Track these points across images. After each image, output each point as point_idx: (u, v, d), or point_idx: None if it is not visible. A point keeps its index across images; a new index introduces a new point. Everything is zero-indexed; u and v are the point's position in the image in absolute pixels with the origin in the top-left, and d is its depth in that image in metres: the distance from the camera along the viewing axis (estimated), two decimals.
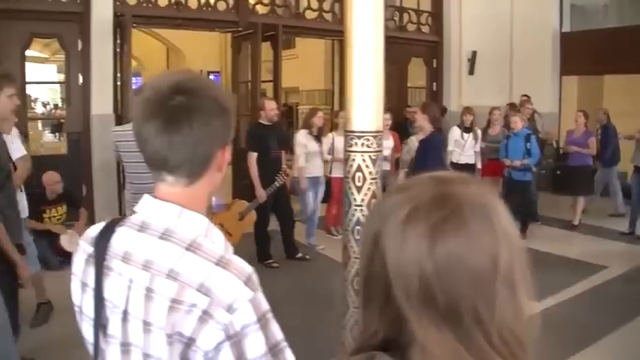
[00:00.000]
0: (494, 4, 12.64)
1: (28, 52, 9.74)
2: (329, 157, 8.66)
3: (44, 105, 26.28)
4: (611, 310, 6.07)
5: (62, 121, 22.69)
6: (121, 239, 1.36)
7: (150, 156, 1.34)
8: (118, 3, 9.54)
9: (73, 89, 9.62)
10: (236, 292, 1.22)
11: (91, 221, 8.71)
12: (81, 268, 1.41)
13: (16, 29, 9.10)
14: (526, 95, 10.89)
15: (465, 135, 9.15)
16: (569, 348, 5.07)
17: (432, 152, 6.13)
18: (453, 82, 13.19)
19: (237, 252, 1.35)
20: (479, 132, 9.29)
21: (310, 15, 11.36)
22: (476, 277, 0.87)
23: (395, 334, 0.94)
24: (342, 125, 8.58)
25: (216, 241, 1.35)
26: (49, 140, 22.53)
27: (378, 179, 3.19)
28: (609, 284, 7.04)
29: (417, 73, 13.49)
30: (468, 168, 8.98)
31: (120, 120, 9.35)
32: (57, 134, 23.68)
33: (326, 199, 8.89)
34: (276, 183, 7.08)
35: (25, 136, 8.96)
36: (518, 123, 8.71)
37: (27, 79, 9.54)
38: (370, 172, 3.15)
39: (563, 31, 13.74)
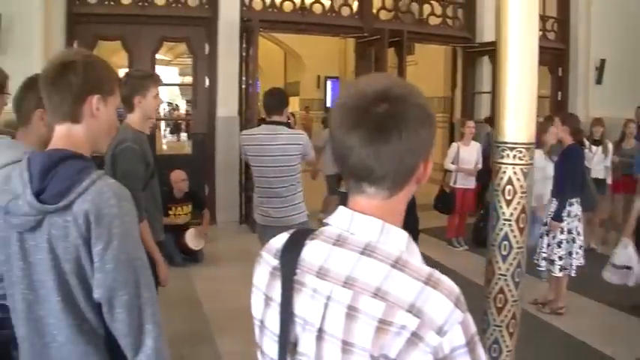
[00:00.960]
0: (626, 9, 12.02)
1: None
2: (453, 167, 8.47)
3: (169, 106, 27.29)
4: None
5: (180, 122, 23.58)
6: (315, 253, 1.29)
7: (352, 166, 1.25)
8: (244, 8, 9.79)
9: (200, 91, 9.92)
10: (447, 313, 1.15)
11: (213, 221, 8.94)
12: (264, 282, 1.36)
13: (148, 33, 9.53)
14: None
15: (594, 148, 8.70)
16: None
17: (571, 165, 5.87)
18: (579, 91, 12.65)
19: None
20: (610, 145, 8.80)
21: (434, 21, 11.21)
22: None
23: None
24: (468, 135, 8.38)
25: (416, 256, 1.27)
26: (170, 140, 23.39)
27: (529, 194, 3.04)
28: None
29: (541, 81, 13.00)
30: (597, 183, 8.54)
31: (245, 123, 9.56)
32: (175, 135, 24.59)
33: (447, 210, 8.69)
34: None
35: (153, 137, 9.36)
36: None
37: None
38: (521, 186, 3.00)
39: None
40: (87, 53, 1.98)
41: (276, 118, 4.80)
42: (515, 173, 2.97)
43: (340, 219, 1.30)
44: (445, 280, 1.20)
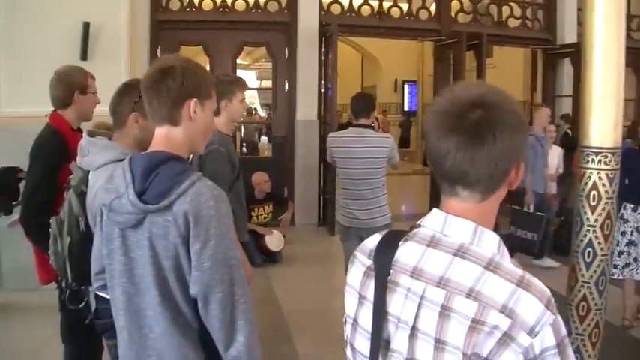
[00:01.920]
0: None
1: None
2: None
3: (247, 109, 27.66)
4: None
5: (255, 125, 23.91)
6: (409, 254, 1.34)
7: (448, 170, 1.30)
8: (323, 13, 9.88)
9: (280, 95, 10.08)
10: (538, 314, 1.18)
11: (292, 223, 9.06)
12: (358, 281, 1.42)
13: (229, 38, 9.78)
14: None
15: None
16: None
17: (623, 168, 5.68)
18: None
19: None
20: None
21: (513, 23, 11.03)
22: None
23: None
24: (549, 139, 8.19)
25: (507, 259, 1.30)
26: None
27: (614, 200, 2.99)
28: None
29: (625, 83, 12.54)
30: None
31: (324, 126, 9.69)
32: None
33: None
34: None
35: (234, 140, 9.56)
36: None
37: None
38: (606, 191, 2.96)
39: None
40: (185, 59, 2.08)
41: (363, 121, 4.92)
42: (600, 178, 2.93)
43: (434, 221, 1.35)
44: (537, 282, 1.23)
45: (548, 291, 1.23)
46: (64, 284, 3.15)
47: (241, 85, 4.03)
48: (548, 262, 7.66)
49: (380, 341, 1.34)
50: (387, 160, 4.86)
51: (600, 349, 3.20)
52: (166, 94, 1.95)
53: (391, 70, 19.56)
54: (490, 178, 1.29)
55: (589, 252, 3.04)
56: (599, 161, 2.94)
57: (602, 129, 2.96)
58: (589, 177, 2.99)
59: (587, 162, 2.98)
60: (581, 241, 3.07)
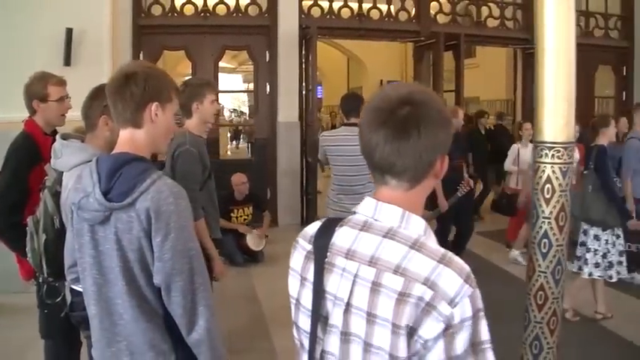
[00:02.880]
0: None
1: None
2: (514, 169, 8.47)
3: (232, 112, 27.73)
4: None
5: (240, 128, 23.98)
6: (344, 238, 1.47)
7: (378, 161, 1.43)
8: (303, 16, 10.01)
9: (261, 97, 10.19)
10: (458, 287, 1.31)
11: (275, 223, 9.17)
12: (300, 264, 1.56)
13: (211, 42, 9.89)
14: None
15: None
16: None
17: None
18: None
19: None
20: None
21: (492, 23, 11.19)
22: None
23: None
24: (526, 137, 8.34)
25: (433, 241, 1.43)
26: (233, 145, 23.78)
27: (567, 192, 3.11)
28: None
29: (604, 81, 12.79)
30: None
31: (306, 128, 9.80)
32: (234, 141, 24.96)
33: (509, 212, 8.62)
34: (458, 193, 6.96)
35: (216, 142, 9.67)
36: None
37: (219, 89, 10.24)
38: (560, 184, 3.07)
39: None
40: (147, 65, 2.25)
41: (353, 120, 5.17)
42: (553, 172, 3.05)
43: (366, 208, 1.49)
44: (457, 260, 1.36)
45: (468, 268, 1.35)
46: (41, 280, 3.30)
47: (211, 87, 4.15)
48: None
49: (319, 318, 1.47)
50: None
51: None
52: (130, 98, 2.09)
53: (376, 71, 19.66)
54: (416, 169, 1.43)
55: (545, 243, 3.15)
56: (553, 155, 3.05)
57: (555, 125, 3.08)
58: (543, 171, 3.10)
59: (541, 156, 3.09)
60: (537, 232, 3.18)
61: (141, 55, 9.22)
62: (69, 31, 7.40)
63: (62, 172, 2.94)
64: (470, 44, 12.62)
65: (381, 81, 20.44)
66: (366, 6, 10.48)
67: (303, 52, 9.99)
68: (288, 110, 9.90)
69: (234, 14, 9.83)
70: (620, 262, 5.74)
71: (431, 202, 7.09)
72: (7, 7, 7.13)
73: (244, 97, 27.34)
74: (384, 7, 10.58)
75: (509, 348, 3.82)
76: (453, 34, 10.40)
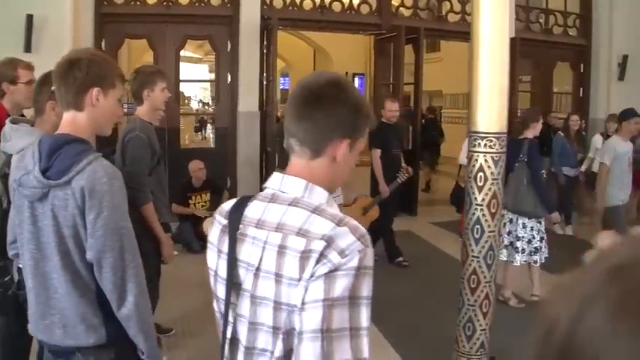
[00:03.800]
0: None
1: (184, 53, 10.42)
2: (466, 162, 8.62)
3: (198, 102, 27.55)
4: None
5: (205, 117, 23.86)
6: (254, 210, 1.60)
7: (287, 126, 1.61)
8: (265, 7, 10.03)
9: (222, 87, 10.24)
10: (350, 242, 1.43)
11: None
12: (217, 238, 1.68)
13: (173, 32, 9.87)
14: None
15: None
16: None
17: None
18: (601, 87, 12.60)
19: None
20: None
21: (453, 18, 11.33)
22: None
23: None
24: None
25: (335, 208, 1.58)
26: (197, 135, 23.67)
27: (499, 180, 3.25)
28: None
29: (563, 77, 13.06)
30: None
31: (265, 117, 9.86)
32: (202, 130, 24.84)
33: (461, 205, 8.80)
34: (398, 179, 7.19)
35: (176, 131, 9.69)
36: None
37: (181, 78, 10.25)
38: (492, 173, 3.21)
39: None
40: (93, 52, 2.40)
41: None
42: (486, 161, 3.20)
43: (274, 181, 1.62)
44: (354, 222, 1.50)
45: (364, 230, 1.48)
46: None
47: (162, 75, 4.24)
48: None
49: (233, 285, 1.59)
50: None
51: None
52: (72, 82, 2.21)
53: (342, 63, 19.72)
54: (314, 138, 1.58)
55: (477, 229, 3.29)
56: (485, 145, 3.19)
57: (488, 116, 3.21)
58: (476, 159, 3.24)
59: (475, 146, 3.23)
60: (470, 219, 3.33)
61: (103, 44, 9.18)
62: (29, 18, 7.39)
63: (11, 155, 3.02)
64: (430, 38, 12.79)
65: (347, 73, 20.58)
66: None
67: (265, 42, 10.01)
68: (248, 100, 9.92)
69: (197, 4, 9.81)
70: (542, 248, 6.07)
71: (373, 189, 7.28)
72: None
73: (208, 86, 27.16)
74: (346, 0, 10.65)
75: (446, 330, 3.98)
76: (414, 28, 10.54)
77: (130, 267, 2.19)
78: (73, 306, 2.18)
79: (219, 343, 1.66)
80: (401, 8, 11.07)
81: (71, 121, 2.25)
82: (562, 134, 8.90)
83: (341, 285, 1.40)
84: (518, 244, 5.98)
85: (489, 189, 3.25)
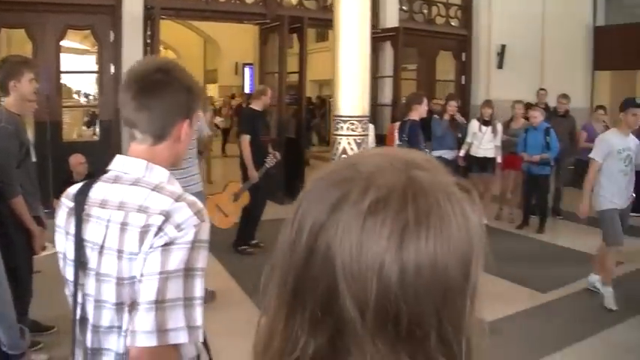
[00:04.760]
0: None
1: (69, 44, 10.06)
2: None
3: (86, 96, 26.68)
4: (620, 301, 6.03)
5: (95, 111, 23.17)
6: (98, 191, 1.65)
7: (126, 116, 1.66)
8: None
9: (106, 79, 9.97)
10: (187, 217, 1.52)
11: None
12: (64, 221, 1.71)
13: (53, 21, 9.52)
14: (543, 89, 10.83)
15: (484, 128, 9.18)
16: (567, 338, 5.18)
17: None
18: (481, 75, 13.22)
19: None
20: (499, 126, 9.26)
21: None
22: (447, 288, 0.70)
23: (329, 351, 0.73)
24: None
25: (176, 186, 1.66)
26: (84, 128, 22.96)
27: None
28: (621, 278, 7.00)
29: (445, 66, 13.53)
30: (487, 162, 9.09)
31: None
32: (92, 125, 24.08)
33: None
34: (266, 164, 7.30)
35: (58, 124, 9.41)
36: (537, 117, 8.72)
37: (62, 69, 9.91)
38: None
39: (596, 24, 13.63)
40: None
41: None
42: (349, 143, 3.31)
43: (117, 164, 1.68)
44: (193, 198, 1.59)
45: (201, 205, 1.58)
46: None
47: (29, 65, 4.14)
48: None
49: (80, 265, 1.63)
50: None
51: None
52: None
53: (231, 52, 19.70)
54: (156, 125, 1.64)
55: None
56: (348, 128, 3.31)
57: (350, 100, 3.33)
58: (339, 142, 3.35)
59: (338, 129, 3.34)
60: None
61: None
62: None
63: None
64: (315, 27, 12.93)
65: (236, 63, 20.52)
66: None
67: (148, 32, 9.84)
68: None
69: None
70: None
71: (244, 176, 7.37)
72: None
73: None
74: None
75: None
76: (298, 18, 10.64)
77: None
78: None
79: None
80: None
81: None
82: (437, 117, 9.24)
83: (177, 258, 1.48)
84: None
85: None
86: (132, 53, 9.56)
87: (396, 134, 7.38)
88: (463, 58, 13.46)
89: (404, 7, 12.36)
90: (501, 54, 12.95)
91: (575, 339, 5.19)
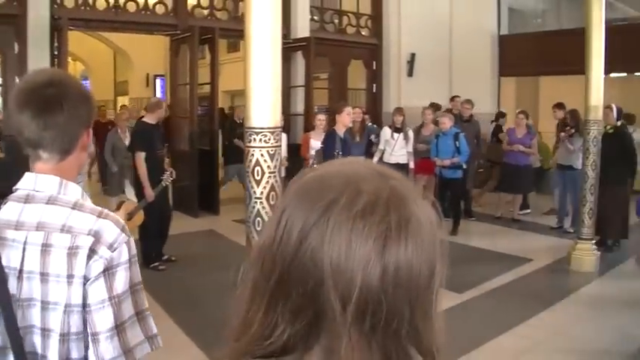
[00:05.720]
0: (433, 8, 13.00)
1: None
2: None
3: None
4: (531, 298, 6.34)
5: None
6: (9, 212, 1.55)
7: (28, 137, 1.58)
8: (55, 6, 9.56)
9: (10, 92, 9.55)
10: (116, 235, 1.52)
11: None
12: None
13: None
14: (457, 96, 11.18)
15: (395, 135, 9.37)
16: (486, 334, 5.37)
17: None
18: (392, 83, 13.47)
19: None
20: (410, 132, 9.48)
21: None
22: (419, 286, 0.78)
23: (302, 337, 0.80)
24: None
25: (89, 202, 1.62)
26: None
27: (277, 173, 3.38)
28: (531, 276, 7.32)
29: (357, 75, 13.71)
30: (399, 167, 9.24)
31: None
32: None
33: None
34: (162, 183, 7.08)
35: None
36: (446, 123, 8.98)
37: None
38: (269, 167, 3.34)
39: (501, 33, 14.12)
40: None
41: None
42: (262, 155, 3.32)
43: (27, 182, 1.60)
44: (113, 215, 1.57)
45: (123, 221, 1.58)
46: None
47: None
48: None
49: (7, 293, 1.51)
50: None
51: None
52: None
53: (142, 64, 19.31)
54: (63, 141, 1.59)
55: (259, 222, 3.41)
56: (260, 140, 3.31)
57: (262, 112, 3.34)
58: (252, 154, 3.35)
59: (250, 141, 3.34)
60: (251, 212, 3.43)
61: None
62: None
63: None
64: (227, 38, 12.87)
65: (147, 74, 20.16)
66: None
67: (55, 44, 9.55)
68: None
69: None
70: None
71: (137, 192, 7.14)
72: None
73: None
74: (141, 0, 10.44)
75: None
76: (209, 28, 10.58)
77: None
78: None
79: None
80: (198, 8, 11.08)
81: None
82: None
83: (121, 280, 1.49)
84: None
85: (267, 182, 3.38)
86: (38, 65, 9.23)
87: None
88: (374, 67, 13.66)
89: (315, 17, 12.47)
90: (411, 62, 13.23)
91: (492, 336, 5.36)
